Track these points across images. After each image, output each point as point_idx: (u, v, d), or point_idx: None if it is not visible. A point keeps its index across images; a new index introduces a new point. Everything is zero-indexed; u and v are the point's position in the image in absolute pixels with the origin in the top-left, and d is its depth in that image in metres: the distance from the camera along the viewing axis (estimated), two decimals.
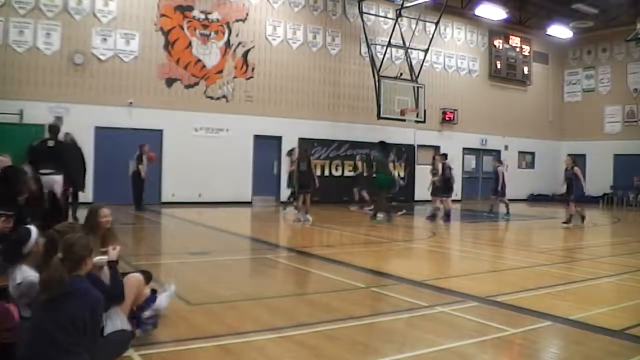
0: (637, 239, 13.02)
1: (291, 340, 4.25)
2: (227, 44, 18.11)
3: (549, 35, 24.80)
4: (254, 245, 10.19)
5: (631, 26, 22.31)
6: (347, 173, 20.49)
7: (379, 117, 19.38)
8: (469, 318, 5.00)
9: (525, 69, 25.87)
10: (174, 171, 17.02)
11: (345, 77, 20.56)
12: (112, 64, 16.24)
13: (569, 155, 15.55)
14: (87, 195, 14.96)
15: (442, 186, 14.54)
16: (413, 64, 20.62)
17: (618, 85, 25.16)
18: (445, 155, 15.35)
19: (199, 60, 17.63)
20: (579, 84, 26.87)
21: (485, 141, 24.36)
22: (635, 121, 24.46)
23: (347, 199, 18.30)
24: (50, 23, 15.41)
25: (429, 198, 15.80)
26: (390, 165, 15.01)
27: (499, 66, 24.82)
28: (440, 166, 14.66)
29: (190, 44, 17.48)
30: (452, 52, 23.54)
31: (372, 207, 14.94)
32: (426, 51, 20.64)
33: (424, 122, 20.50)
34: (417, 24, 20.63)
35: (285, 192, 18.91)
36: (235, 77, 18.25)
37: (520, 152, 26.00)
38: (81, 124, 15.12)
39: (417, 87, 20.26)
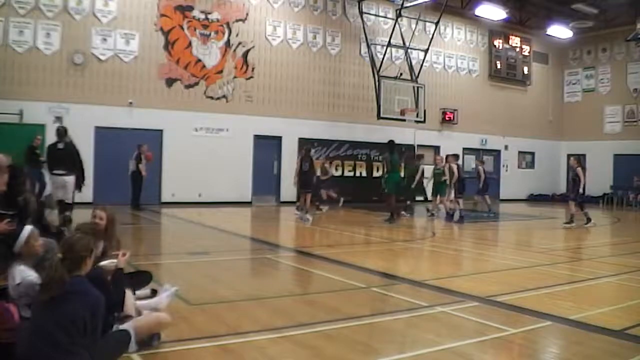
0: (637, 239, 13.02)
1: (291, 340, 4.25)
2: (227, 44, 18.11)
3: (549, 35, 24.80)
4: (254, 245, 10.19)
5: (631, 26, 22.30)
6: (347, 173, 20.52)
7: (379, 117, 19.38)
8: (469, 318, 5.00)
9: (525, 69, 25.87)
10: (174, 171, 17.02)
11: (345, 77, 20.56)
12: (112, 64, 16.24)
13: (573, 156, 15.49)
14: (87, 195, 15.01)
15: (459, 186, 14.69)
16: (413, 64, 20.62)
17: (618, 85, 25.16)
18: (457, 156, 15.51)
19: (199, 60, 17.63)
20: (579, 84, 26.86)
21: (485, 141, 24.36)
22: (635, 121, 24.46)
23: (347, 198, 18.31)
24: (50, 23, 15.41)
25: (429, 198, 15.85)
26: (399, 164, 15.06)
27: (499, 66, 24.82)
28: (455, 167, 14.75)
29: (190, 44, 17.48)
30: (452, 52, 23.53)
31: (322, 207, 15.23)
32: (426, 51, 20.64)
33: (424, 122, 20.50)
34: (417, 24, 20.62)
35: (285, 193, 18.97)
36: (235, 77, 18.25)
37: (520, 152, 26.00)
38: (81, 124, 15.14)
39: (417, 87, 20.26)
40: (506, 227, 14.91)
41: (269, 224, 14.09)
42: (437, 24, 20.73)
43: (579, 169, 13.89)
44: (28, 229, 4.17)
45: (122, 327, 3.73)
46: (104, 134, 15.93)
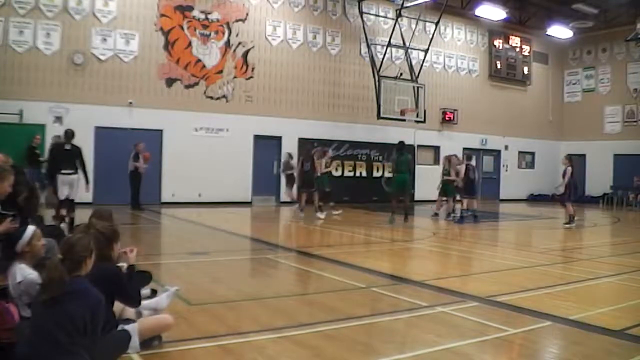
0: (637, 239, 13.02)
1: (291, 340, 4.25)
2: (227, 44, 18.11)
3: (549, 35, 24.79)
4: (254, 245, 10.19)
5: (631, 26, 22.30)
6: (347, 173, 20.52)
7: (379, 117, 19.38)
8: (469, 318, 5.00)
9: (525, 69, 25.87)
10: (174, 171, 17.02)
11: (345, 77, 20.56)
12: (112, 64, 16.24)
13: (566, 155, 15.56)
14: (87, 195, 15.00)
15: (467, 187, 14.53)
16: (413, 64, 20.63)
17: (618, 85, 25.15)
18: (469, 157, 15.56)
19: (199, 60, 17.63)
20: (579, 84, 26.86)
21: (485, 141, 24.37)
22: (635, 121, 24.45)
23: (347, 198, 18.31)
24: (50, 23, 15.41)
25: (434, 198, 15.89)
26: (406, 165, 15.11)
27: (499, 66, 24.81)
28: (463, 168, 14.69)
29: (190, 44, 17.48)
30: (452, 52, 23.53)
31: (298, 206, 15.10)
32: (426, 51, 20.64)
33: (424, 122, 20.50)
34: (417, 24, 20.62)
35: (285, 193, 18.96)
36: (235, 77, 18.25)
37: (520, 152, 26.00)
38: (81, 124, 15.07)
39: (417, 87, 20.26)
40: (506, 227, 14.91)
41: (269, 224, 14.09)
42: (437, 24, 20.74)
43: (568, 168, 13.95)
44: (31, 229, 4.19)
45: (125, 327, 3.74)
46: (104, 134, 15.93)
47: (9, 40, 14.89)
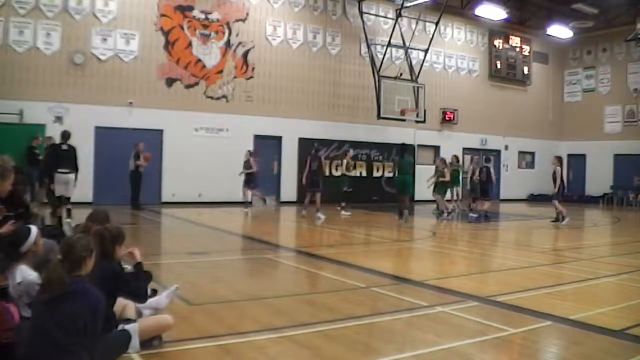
0: (637, 239, 13.01)
1: (291, 340, 4.25)
2: (227, 44, 18.11)
3: (549, 35, 24.79)
4: (254, 245, 10.18)
5: (631, 26, 22.32)
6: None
7: (379, 117, 19.39)
8: (469, 318, 5.00)
9: (525, 69, 25.87)
10: (174, 171, 17.03)
11: (345, 77, 20.56)
12: (112, 64, 16.24)
13: (555, 155, 15.82)
14: (87, 195, 15.04)
15: (482, 188, 15.11)
16: (413, 64, 20.63)
17: (618, 85, 25.16)
18: (488, 159, 16.05)
19: (199, 60, 17.63)
20: (579, 84, 26.87)
21: (485, 141, 24.37)
22: (635, 121, 24.46)
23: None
24: (50, 23, 15.41)
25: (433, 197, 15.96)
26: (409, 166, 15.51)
27: (499, 66, 24.82)
28: (477, 169, 15.32)
29: (190, 44, 17.48)
30: (452, 52, 23.53)
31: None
32: (426, 51, 20.65)
33: (424, 122, 20.51)
34: (417, 24, 20.63)
35: (285, 193, 18.98)
36: (235, 77, 18.26)
37: (520, 152, 26.00)
38: (81, 124, 15.16)
39: (417, 87, 20.27)
40: (506, 227, 14.90)
41: (269, 224, 14.09)
42: (437, 24, 20.74)
43: (558, 168, 14.15)
44: (36, 228, 4.21)
45: (125, 327, 3.75)
46: (104, 134, 15.93)
47: (9, 40, 14.90)
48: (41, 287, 3.26)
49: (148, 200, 15.60)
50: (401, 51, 20.87)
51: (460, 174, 17.38)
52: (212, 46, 17.84)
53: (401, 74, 19.98)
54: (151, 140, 16.12)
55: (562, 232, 13.21)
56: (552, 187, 14.35)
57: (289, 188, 19.04)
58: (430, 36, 20.75)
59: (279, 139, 19.03)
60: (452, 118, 23.14)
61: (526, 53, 25.89)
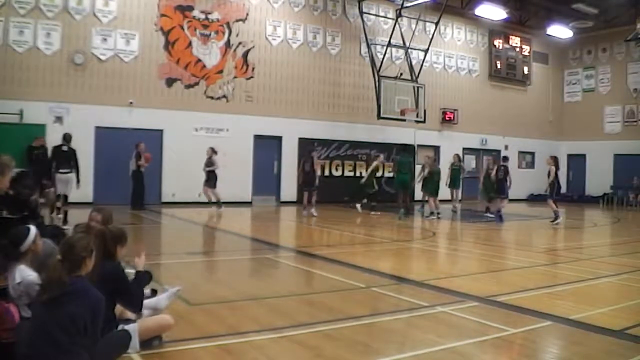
0: (637, 239, 13.01)
1: (291, 340, 4.25)
2: (227, 44, 18.11)
3: (549, 35, 24.79)
4: (254, 245, 10.19)
5: (631, 26, 22.29)
6: (347, 173, 20.52)
7: (379, 117, 19.38)
8: (469, 318, 5.00)
9: (525, 69, 25.87)
10: (174, 171, 17.02)
11: (345, 77, 20.55)
12: (112, 64, 16.24)
13: (551, 155, 15.90)
14: (87, 195, 15.04)
15: (498, 186, 15.35)
16: (413, 64, 20.63)
17: (618, 85, 25.16)
18: (505, 158, 16.38)
19: (199, 60, 17.63)
20: (579, 84, 26.86)
21: (485, 141, 24.37)
22: (635, 121, 24.46)
23: (347, 198, 18.30)
24: (50, 23, 15.41)
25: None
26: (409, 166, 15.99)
27: (499, 66, 24.81)
28: (493, 168, 15.68)
29: (190, 44, 17.48)
30: (452, 52, 23.53)
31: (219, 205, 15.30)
32: (426, 51, 20.65)
33: (424, 122, 20.50)
34: (417, 24, 20.62)
35: (285, 193, 18.99)
36: (235, 77, 18.25)
37: (520, 152, 25.98)
38: (81, 124, 15.17)
39: (417, 87, 20.26)
40: (506, 227, 14.89)
41: (269, 224, 14.09)
42: (437, 24, 20.74)
43: (552, 168, 14.17)
44: (34, 228, 4.21)
45: (125, 327, 3.75)
46: (104, 134, 15.93)
47: (9, 40, 14.89)
48: (41, 288, 3.26)
49: (148, 200, 15.60)
50: (401, 51, 20.86)
51: (461, 173, 17.37)
52: (212, 46, 17.84)
53: (401, 74, 19.98)
54: (151, 140, 16.11)
55: (562, 232, 13.21)
56: (546, 186, 14.46)
57: (288, 188, 19.03)
58: (430, 36, 20.75)
59: (279, 139, 19.03)
60: (452, 118, 23.13)
61: (526, 53, 25.89)
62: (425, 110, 20.27)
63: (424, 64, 20.79)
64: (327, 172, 19.73)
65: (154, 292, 4.67)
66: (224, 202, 15.42)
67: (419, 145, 21.80)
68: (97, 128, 15.87)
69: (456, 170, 17.05)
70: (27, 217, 5.27)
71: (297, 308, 5.39)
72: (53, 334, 3.05)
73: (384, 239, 11.39)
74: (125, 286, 3.89)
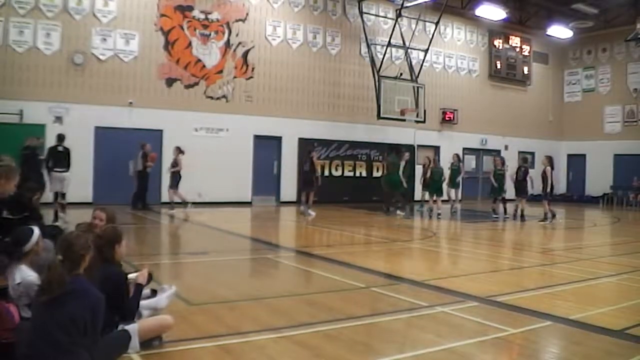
0: (637, 239, 13.02)
1: (291, 340, 4.25)
2: (227, 44, 18.10)
3: (549, 35, 24.78)
4: (254, 245, 10.19)
5: (631, 26, 22.29)
6: (347, 173, 20.52)
7: (379, 117, 19.38)
8: (469, 318, 5.00)
9: (525, 69, 25.86)
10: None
11: (345, 77, 20.55)
12: (112, 64, 16.23)
13: (546, 155, 16.02)
14: (87, 195, 15.05)
15: (517, 187, 15.80)
16: (413, 64, 20.63)
17: (618, 85, 25.15)
18: (525, 159, 16.83)
19: (199, 60, 17.62)
20: (578, 84, 26.86)
21: (485, 141, 24.36)
22: (635, 121, 24.45)
23: (347, 198, 18.35)
24: (50, 23, 15.40)
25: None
26: (401, 166, 15.98)
27: (499, 66, 24.81)
28: (515, 169, 16.16)
29: (190, 44, 17.47)
30: (452, 52, 23.53)
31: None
32: (426, 51, 20.64)
33: (424, 122, 20.50)
34: (417, 24, 20.62)
35: (285, 193, 18.97)
36: (235, 77, 18.24)
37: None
38: (81, 124, 15.17)
39: (417, 87, 20.26)
40: (506, 227, 14.90)
41: (269, 224, 14.09)
42: (437, 24, 20.73)
43: (547, 168, 14.23)
44: (37, 229, 4.22)
45: (125, 327, 3.75)
46: (104, 134, 15.92)
47: (9, 40, 14.88)
48: (41, 288, 3.26)
49: (148, 200, 15.58)
50: (401, 51, 20.86)
51: (459, 174, 17.35)
52: (212, 46, 17.84)
53: (401, 74, 19.97)
54: (151, 140, 16.06)
55: (562, 232, 13.21)
56: (541, 187, 14.67)
57: (288, 188, 19.03)
58: (430, 36, 20.74)
59: (278, 139, 19.02)
60: (452, 118, 23.13)
61: (526, 53, 25.88)
62: (425, 110, 20.27)
63: (424, 64, 20.79)
64: (327, 172, 19.71)
65: (154, 292, 4.67)
66: (224, 202, 15.42)
67: (418, 146, 21.81)
68: (97, 128, 15.87)
69: (455, 171, 17.05)
70: (28, 217, 5.27)
71: (297, 308, 5.39)
72: (53, 334, 3.05)
73: (383, 239, 11.39)
74: (122, 295, 3.88)
